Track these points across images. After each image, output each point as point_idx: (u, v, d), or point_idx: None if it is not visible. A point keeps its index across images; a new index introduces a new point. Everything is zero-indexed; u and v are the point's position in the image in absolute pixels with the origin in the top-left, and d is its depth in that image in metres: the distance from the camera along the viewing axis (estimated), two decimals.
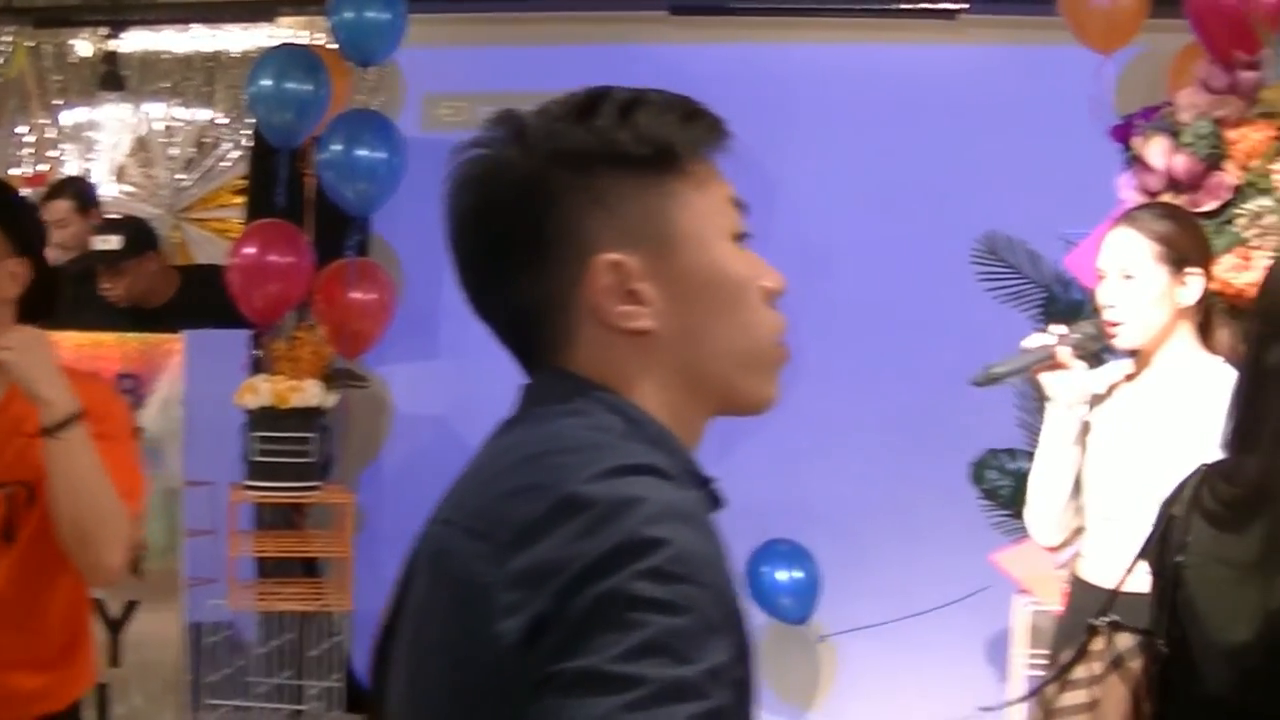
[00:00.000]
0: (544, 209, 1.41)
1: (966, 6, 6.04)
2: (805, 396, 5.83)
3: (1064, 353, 3.36)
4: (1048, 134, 5.63)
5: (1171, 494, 2.61)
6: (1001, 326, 4.61)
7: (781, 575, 5.85)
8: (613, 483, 1.26)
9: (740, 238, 1.49)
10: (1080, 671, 3.21)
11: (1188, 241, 3.33)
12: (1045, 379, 3.41)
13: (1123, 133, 4.38)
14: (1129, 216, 3.45)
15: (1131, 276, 3.32)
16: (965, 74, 6.07)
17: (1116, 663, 2.96)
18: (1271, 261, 2.61)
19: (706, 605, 1.20)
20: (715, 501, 1.44)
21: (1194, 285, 3.30)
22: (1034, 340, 3.43)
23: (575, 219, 1.41)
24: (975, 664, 5.90)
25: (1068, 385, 3.39)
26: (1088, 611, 3.30)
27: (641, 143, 1.42)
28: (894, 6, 6.16)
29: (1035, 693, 3.47)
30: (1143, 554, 2.70)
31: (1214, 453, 2.70)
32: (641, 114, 1.43)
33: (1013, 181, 5.75)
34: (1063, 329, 3.45)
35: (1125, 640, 2.96)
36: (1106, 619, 2.94)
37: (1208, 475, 2.53)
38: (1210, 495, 2.50)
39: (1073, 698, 3.28)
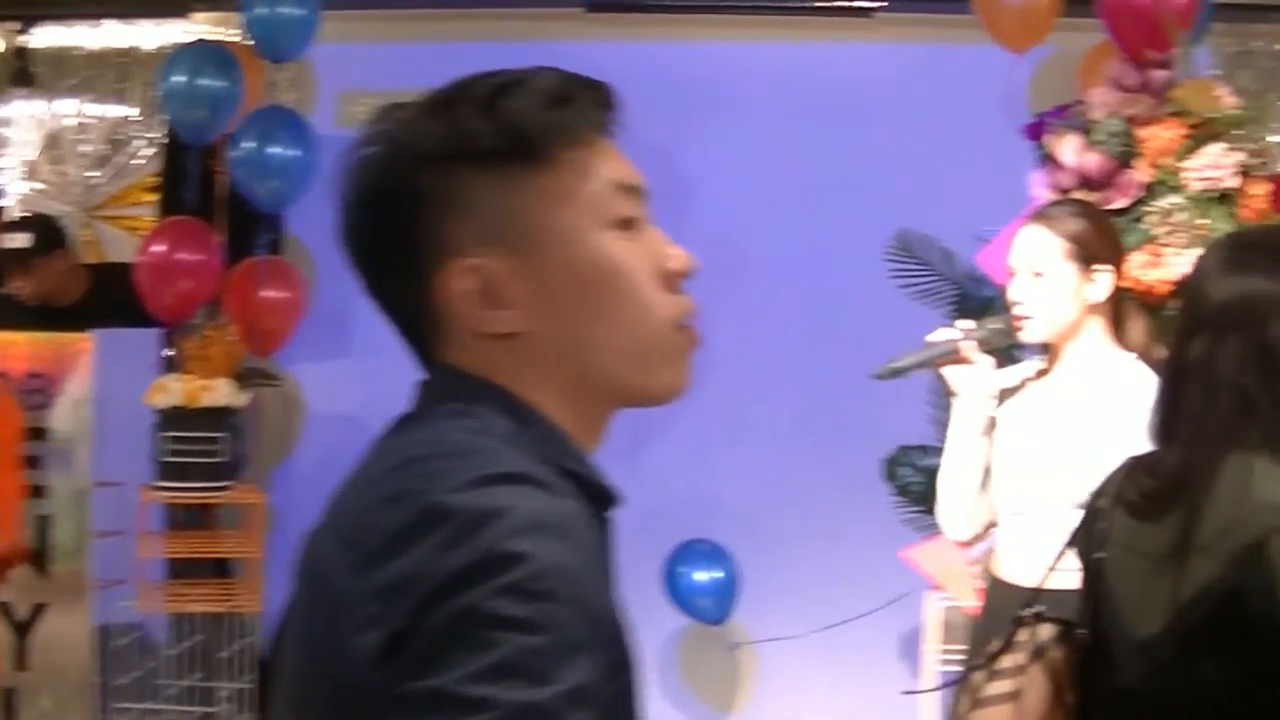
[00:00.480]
0: (409, 212, 1.38)
1: (883, 4, 6.06)
2: (721, 394, 5.84)
3: (968, 347, 3.38)
4: (962, 132, 5.66)
5: (1100, 486, 2.64)
6: (916, 323, 4.62)
7: (700, 576, 5.84)
8: (479, 492, 1.21)
9: (628, 224, 1.41)
10: (1006, 661, 3.22)
11: (1097, 239, 3.34)
12: (950, 373, 3.43)
13: (1036, 131, 4.41)
14: (1040, 214, 3.47)
15: (1041, 273, 3.33)
16: (881, 72, 6.10)
17: (1038, 653, 2.98)
18: (1196, 258, 2.64)
19: (569, 622, 1.15)
20: (608, 501, 1.39)
21: (1103, 282, 3.31)
22: (939, 335, 3.44)
23: (437, 221, 1.37)
24: (890, 660, 5.93)
25: (973, 379, 3.41)
26: (1003, 609, 3.32)
27: (499, 134, 1.36)
28: (810, 5, 6.16)
29: (960, 681, 3.48)
30: (1069, 544, 2.72)
31: (1126, 446, 2.75)
32: (506, 102, 1.37)
33: (927, 179, 5.77)
34: (969, 323, 3.46)
35: (1047, 631, 2.99)
36: (1033, 610, 2.96)
37: (1133, 468, 2.56)
38: (1133, 487, 2.53)
39: (998, 687, 3.29)
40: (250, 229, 5.69)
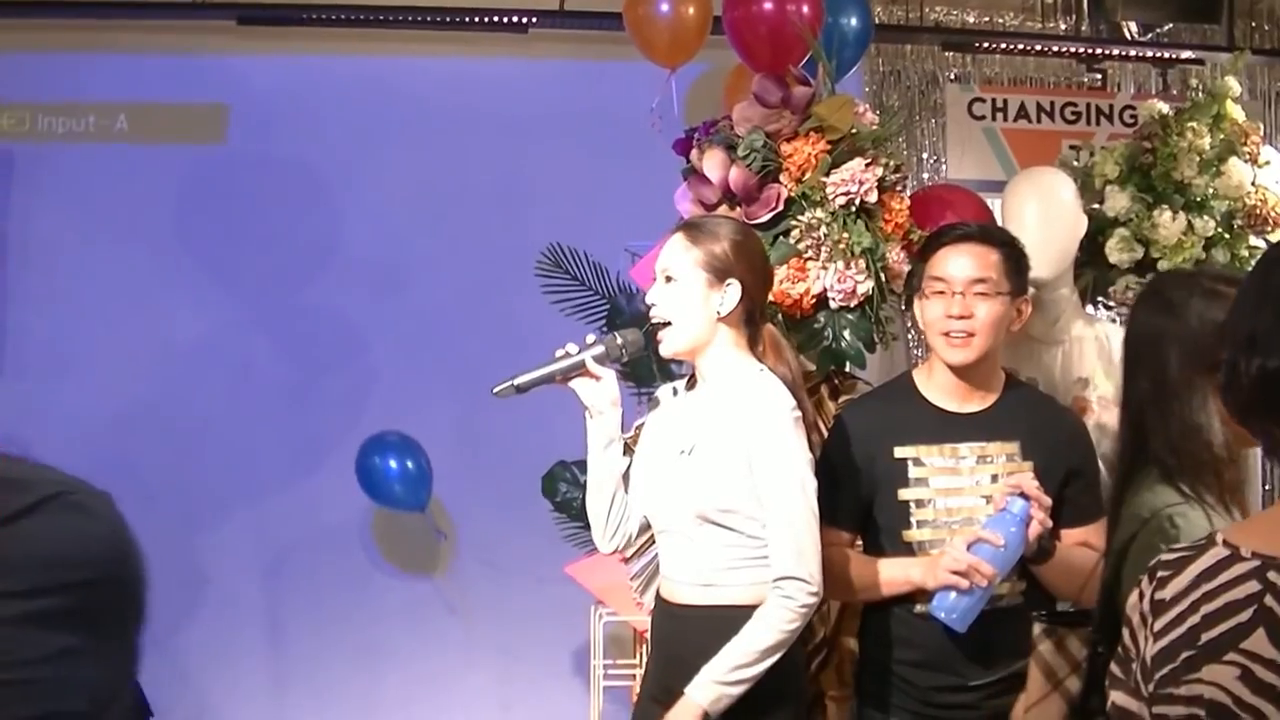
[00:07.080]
0: None
1: (536, 20, 6.08)
2: (378, 409, 5.78)
3: (591, 363, 3.37)
4: (618, 148, 5.71)
5: None
6: (575, 336, 4.59)
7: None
8: None
9: None
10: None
11: (732, 253, 3.31)
12: (577, 386, 3.41)
13: (684, 146, 4.40)
14: (684, 223, 3.46)
15: (673, 278, 3.32)
16: (536, 88, 6.13)
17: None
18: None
19: None
20: None
21: (732, 294, 3.29)
22: (562, 351, 3.41)
23: None
24: (564, 673, 6.00)
25: (597, 393, 3.40)
26: (660, 624, 3.35)
27: None
28: (466, 20, 6.13)
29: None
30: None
31: (744, 459, 3.13)
32: None
33: (583, 194, 5.82)
34: (593, 337, 3.44)
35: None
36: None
37: None
38: None
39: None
40: None
